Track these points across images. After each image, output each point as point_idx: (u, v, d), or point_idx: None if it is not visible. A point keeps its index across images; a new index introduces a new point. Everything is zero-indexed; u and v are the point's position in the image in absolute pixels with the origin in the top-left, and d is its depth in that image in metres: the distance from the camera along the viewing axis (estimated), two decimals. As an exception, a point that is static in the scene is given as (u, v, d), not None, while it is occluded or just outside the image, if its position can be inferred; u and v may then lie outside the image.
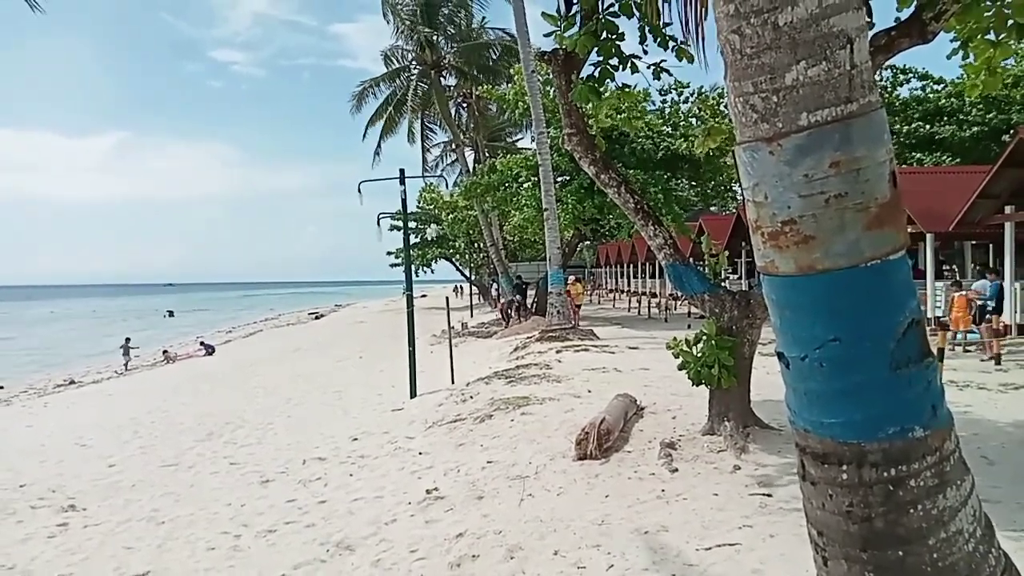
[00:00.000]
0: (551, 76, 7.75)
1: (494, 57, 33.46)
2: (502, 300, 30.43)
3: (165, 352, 28.13)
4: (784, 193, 2.09)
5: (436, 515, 5.71)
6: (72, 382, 22.54)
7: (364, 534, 5.60)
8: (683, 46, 5.62)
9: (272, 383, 16.77)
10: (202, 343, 30.15)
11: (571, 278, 22.72)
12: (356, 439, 9.46)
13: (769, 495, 5.13)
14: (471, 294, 44.18)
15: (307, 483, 7.56)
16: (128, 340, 27.70)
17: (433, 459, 7.53)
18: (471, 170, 33.36)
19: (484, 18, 34.56)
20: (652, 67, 5.89)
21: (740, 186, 2.31)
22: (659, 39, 5.66)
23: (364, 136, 34.96)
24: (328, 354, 23.15)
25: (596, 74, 5.89)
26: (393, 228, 36.12)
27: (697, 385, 6.76)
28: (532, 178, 22.85)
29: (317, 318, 53.10)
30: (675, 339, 7.00)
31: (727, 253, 8.38)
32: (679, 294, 27.28)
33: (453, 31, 33.36)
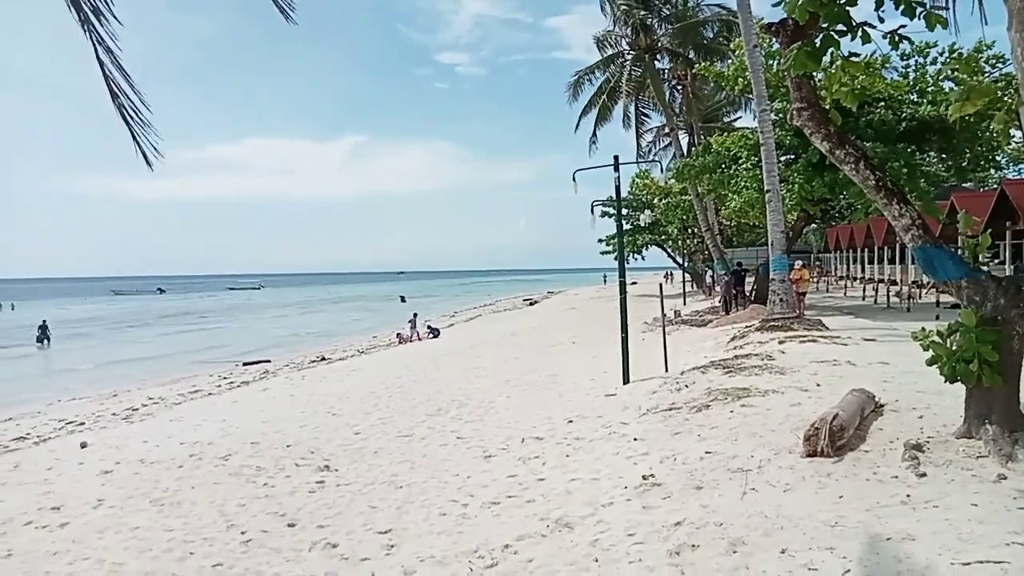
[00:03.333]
0: (778, 48, 7.23)
1: (710, 34, 32.24)
2: (718, 287, 29.30)
3: (399, 334, 30.95)
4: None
5: (653, 501, 5.67)
6: (323, 358, 25.54)
7: (582, 514, 5.72)
8: (933, 11, 4.92)
9: (491, 365, 17.69)
10: (429, 327, 32.68)
11: (797, 263, 21.23)
12: (571, 421, 9.68)
13: (1046, 511, 4.42)
14: (683, 281, 42.98)
15: (526, 460, 7.89)
16: (416, 315, 32.30)
17: (648, 446, 7.48)
18: (685, 153, 32.47)
19: (702, -8, 33.22)
20: (888, 35, 5.25)
21: None
22: (902, 5, 5.00)
23: (577, 127, 35.42)
24: (542, 339, 23.87)
25: (817, 42, 5.38)
26: (604, 215, 36.26)
27: (952, 382, 5.98)
28: (752, 158, 21.63)
29: (531, 304, 54.98)
30: (923, 330, 6.25)
31: (989, 232, 7.27)
32: (925, 281, 24.38)
33: (668, 11, 32.59)
